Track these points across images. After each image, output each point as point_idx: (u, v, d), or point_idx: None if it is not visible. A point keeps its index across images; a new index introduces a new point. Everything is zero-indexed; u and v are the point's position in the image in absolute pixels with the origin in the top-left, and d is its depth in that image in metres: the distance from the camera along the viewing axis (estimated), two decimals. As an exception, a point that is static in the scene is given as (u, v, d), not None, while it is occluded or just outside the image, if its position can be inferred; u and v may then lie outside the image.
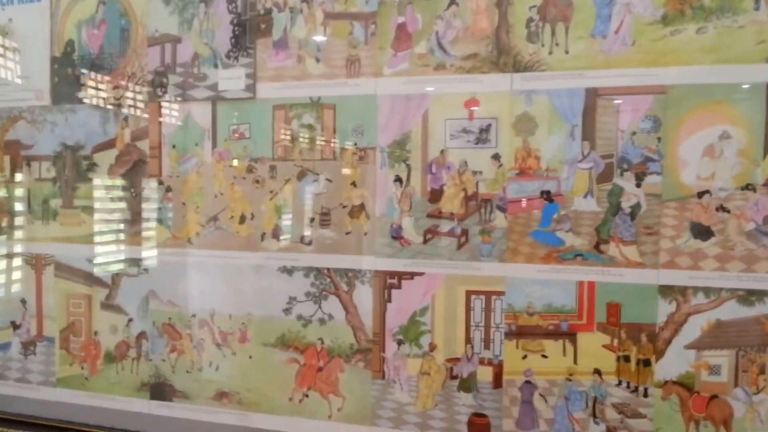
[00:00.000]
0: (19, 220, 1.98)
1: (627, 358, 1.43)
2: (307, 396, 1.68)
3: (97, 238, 1.88)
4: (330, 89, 1.63)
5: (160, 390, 1.83)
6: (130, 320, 1.86)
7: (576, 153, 1.46)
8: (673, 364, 1.41)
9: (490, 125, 1.51)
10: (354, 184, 1.62)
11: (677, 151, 1.39)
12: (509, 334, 1.52)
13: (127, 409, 1.86)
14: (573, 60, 1.45)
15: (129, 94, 1.82)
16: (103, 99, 1.84)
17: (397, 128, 1.58)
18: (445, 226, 1.55)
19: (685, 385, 1.40)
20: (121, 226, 1.85)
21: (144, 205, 1.83)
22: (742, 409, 1.38)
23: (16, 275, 1.99)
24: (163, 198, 1.80)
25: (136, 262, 1.84)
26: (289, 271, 1.69)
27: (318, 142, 1.65)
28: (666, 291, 1.40)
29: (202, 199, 1.76)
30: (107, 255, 1.88)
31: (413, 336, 1.59)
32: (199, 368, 1.79)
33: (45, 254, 1.94)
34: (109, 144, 1.85)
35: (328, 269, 1.65)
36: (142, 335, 1.84)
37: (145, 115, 1.80)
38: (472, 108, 1.52)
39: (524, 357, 1.51)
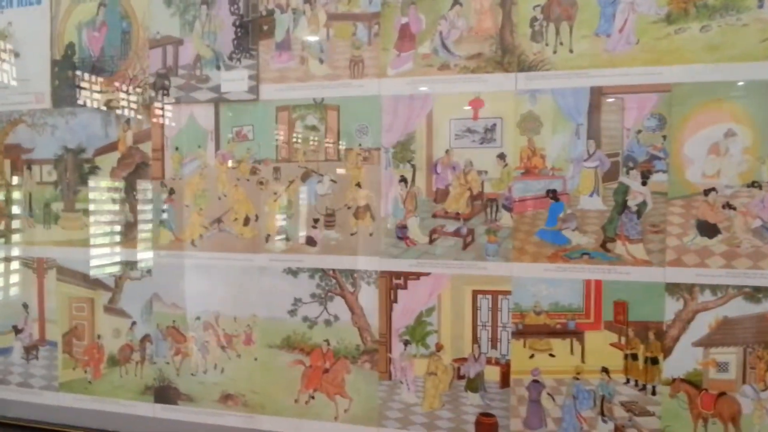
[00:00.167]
0: (20, 224, 1.96)
1: (635, 356, 1.44)
2: (313, 398, 1.68)
3: (99, 241, 1.87)
4: (333, 90, 1.63)
5: (164, 393, 1.82)
6: (134, 323, 1.85)
7: (581, 152, 1.46)
8: (680, 361, 1.41)
9: (495, 125, 1.51)
10: (359, 184, 1.62)
11: (683, 149, 1.39)
12: (516, 334, 1.52)
13: (131, 413, 1.85)
14: (577, 59, 1.45)
15: (131, 97, 1.81)
16: (105, 102, 1.83)
17: (402, 129, 1.58)
18: (451, 226, 1.55)
19: (693, 382, 1.41)
20: (124, 229, 1.84)
21: (147, 208, 1.82)
22: (750, 406, 1.38)
23: (18, 279, 1.98)
24: (166, 200, 1.79)
25: (139, 265, 1.83)
26: (294, 272, 1.68)
27: (322, 143, 1.64)
28: (673, 289, 1.41)
29: (205, 201, 1.76)
30: (109, 258, 1.87)
31: (420, 336, 1.59)
32: (204, 371, 1.78)
33: (47, 258, 1.93)
34: (111, 147, 1.84)
35: (334, 270, 1.65)
36: (146, 338, 1.83)
37: (150, 118, 1.80)
38: (476, 108, 1.52)
39: (531, 356, 1.51)
